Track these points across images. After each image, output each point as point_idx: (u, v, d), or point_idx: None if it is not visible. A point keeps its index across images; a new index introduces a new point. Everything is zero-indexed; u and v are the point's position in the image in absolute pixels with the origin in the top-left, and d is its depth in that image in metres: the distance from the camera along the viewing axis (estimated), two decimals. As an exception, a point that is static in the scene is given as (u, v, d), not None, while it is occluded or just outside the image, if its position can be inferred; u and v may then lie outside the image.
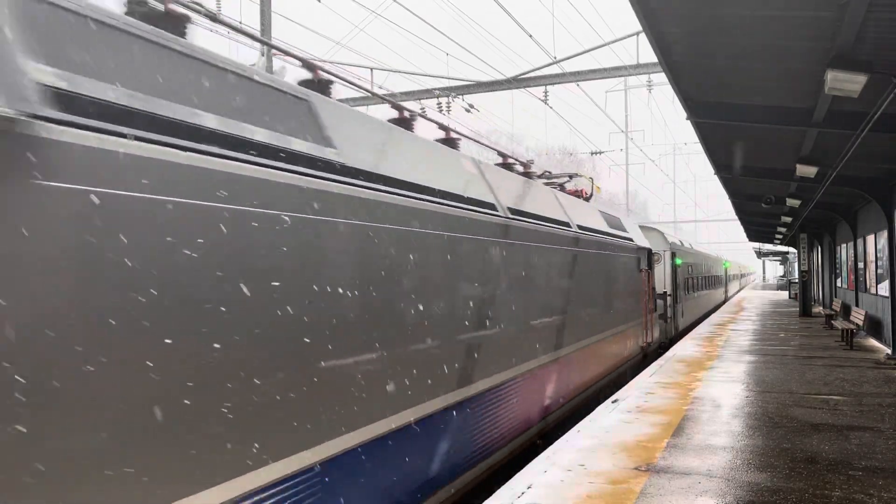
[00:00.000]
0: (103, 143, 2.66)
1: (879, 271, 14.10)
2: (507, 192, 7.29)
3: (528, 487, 5.22)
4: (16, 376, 2.28)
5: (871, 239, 14.98)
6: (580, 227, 9.55)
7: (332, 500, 3.81)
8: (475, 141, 8.58)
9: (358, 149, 4.61)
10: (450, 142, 6.97)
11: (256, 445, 3.28)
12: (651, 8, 5.92)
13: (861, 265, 16.43)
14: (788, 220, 21.53)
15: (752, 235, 36.18)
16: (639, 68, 24.83)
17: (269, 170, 3.56)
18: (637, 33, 22.32)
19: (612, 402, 8.46)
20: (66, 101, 2.61)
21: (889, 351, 12.80)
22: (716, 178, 14.82)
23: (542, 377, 7.39)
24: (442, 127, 6.32)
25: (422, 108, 26.99)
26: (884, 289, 13.43)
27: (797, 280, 29.20)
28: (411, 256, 4.88)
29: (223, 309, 3.16)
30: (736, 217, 26.98)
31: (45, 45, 2.63)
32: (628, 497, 4.96)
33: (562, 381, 8.12)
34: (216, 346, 3.10)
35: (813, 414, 7.71)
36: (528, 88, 26.21)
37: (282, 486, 3.42)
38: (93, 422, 2.53)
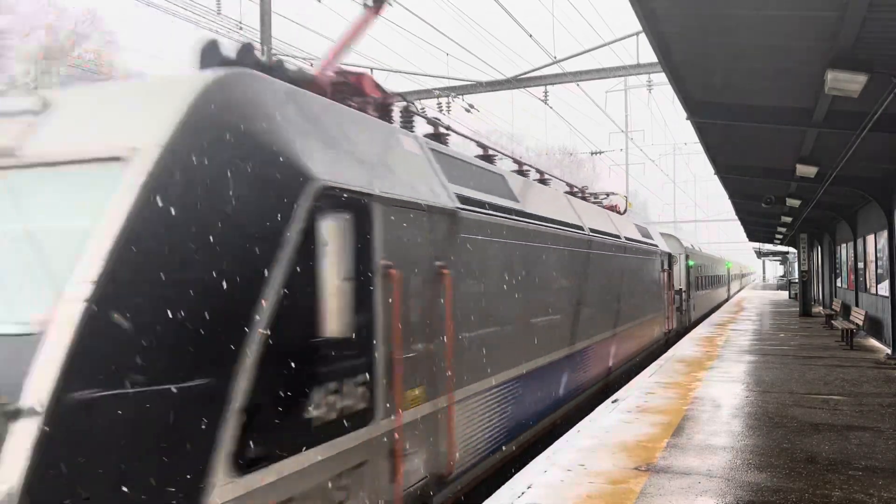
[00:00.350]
0: (475, 216, 5.77)
1: (879, 271, 14.10)
2: (586, 215, 10.14)
3: (528, 487, 5.22)
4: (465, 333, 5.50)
5: (871, 239, 14.98)
6: (626, 237, 12.12)
7: (528, 392, 6.84)
8: (563, 182, 11.24)
9: (525, 199, 7.55)
10: (544, 181, 9.75)
11: (557, 349, 7.72)
12: (651, 8, 5.92)
13: (861, 265, 16.44)
14: (788, 220, 21.53)
15: (752, 235, 36.18)
16: (639, 68, 24.82)
17: (509, 217, 6.70)
18: (637, 33, 22.32)
19: (612, 402, 8.46)
20: (462, 200, 5.61)
21: (889, 351, 12.80)
22: (716, 178, 14.82)
23: (606, 346, 10.20)
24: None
25: (422, 108, 26.98)
26: (884, 289, 13.43)
27: (797, 280, 29.21)
28: (554, 261, 7.93)
29: (557, 293, 7.86)
30: (736, 217, 26.99)
31: (451, 177, 5.70)
32: (628, 497, 4.96)
33: (617, 351, 10.84)
34: (549, 310, 7.56)
35: (813, 414, 7.71)
36: (528, 88, 26.21)
37: (512, 382, 6.43)
38: (475, 349, 5.65)
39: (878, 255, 14.10)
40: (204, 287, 3.04)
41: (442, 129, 6.69)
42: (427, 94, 27.68)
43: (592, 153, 34.69)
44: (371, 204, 4.14)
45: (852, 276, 18.05)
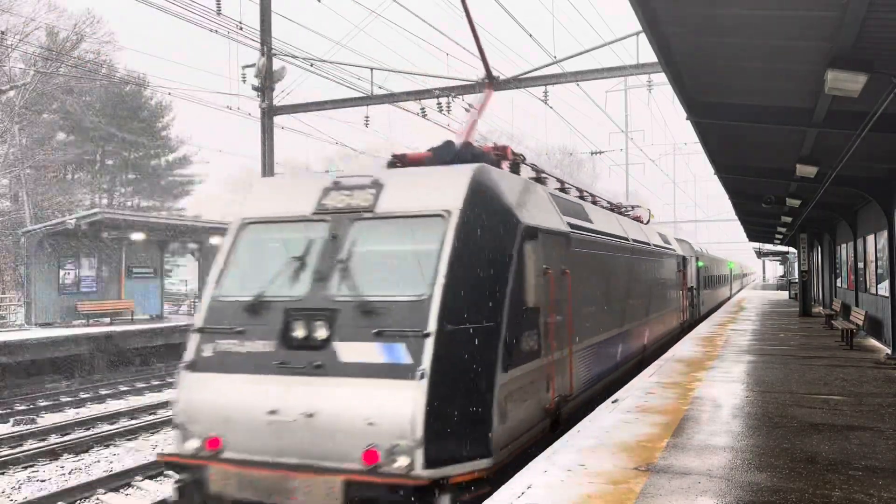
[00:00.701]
0: (576, 235, 8.16)
1: (879, 271, 14.10)
2: (628, 227, 12.63)
3: (528, 487, 5.21)
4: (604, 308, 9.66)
5: (871, 239, 14.98)
6: (653, 244, 14.64)
7: (605, 351, 9.67)
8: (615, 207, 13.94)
9: (596, 220, 9.99)
10: (620, 209, 13.62)
11: (619, 326, 10.68)
12: (651, 8, 5.92)
13: (861, 265, 16.43)
14: (788, 220, 21.52)
15: (752, 235, 36.18)
16: (639, 68, 24.82)
17: (623, 240, 10.96)
18: (637, 33, 22.31)
19: (612, 402, 8.45)
20: (570, 225, 8.03)
21: (889, 351, 12.80)
22: (716, 178, 14.82)
23: (644, 328, 12.98)
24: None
25: (422, 108, 26.99)
26: (884, 289, 13.42)
27: (797, 280, 29.21)
28: (615, 263, 10.52)
29: (632, 290, 11.71)
30: (736, 217, 26.98)
31: (562, 210, 8.11)
32: (628, 497, 4.96)
33: (650, 333, 13.60)
34: (632, 306, 11.62)
35: (813, 414, 7.70)
36: (528, 88, 26.21)
37: (598, 344, 9.20)
38: (583, 320, 8.41)
39: (878, 255, 14.10)
40: (487, 277, 5.91)
41: (545, 175, 9.18)
42: (427, 94, 27.69)
43: (592, 153, 34.69)
44: (538, 233, 6.81)
45: (852, 276, 18.05)
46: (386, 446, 5.04)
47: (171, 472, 6.16)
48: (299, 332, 5.62)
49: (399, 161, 7.39)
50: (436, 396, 5.15)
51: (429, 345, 5.27)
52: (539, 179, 8.62)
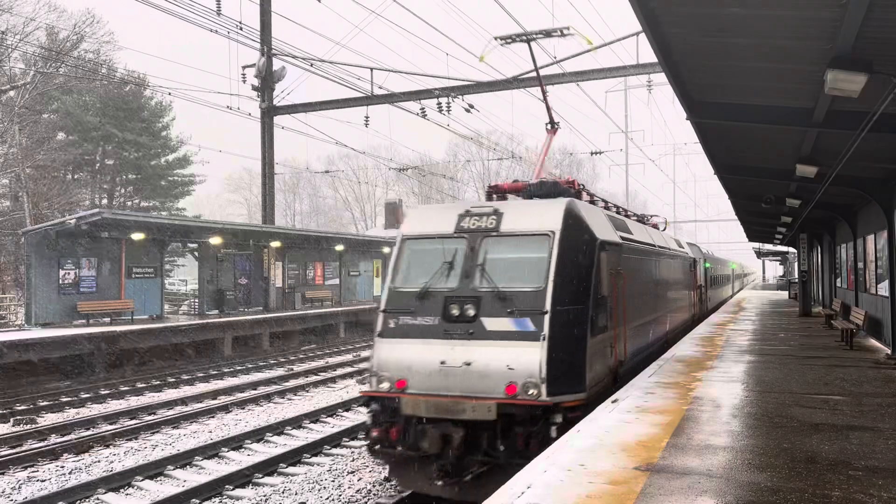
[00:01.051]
0: (625, 244, 10.57)
1: (879, 271, 14.10)
2: (654, 235, 14.87)
3: (528, 487, 5.21)
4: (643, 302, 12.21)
5: (870, 239, 14.98)
6: (672, 249, 16.81)
7: (644, 331, 12.23)
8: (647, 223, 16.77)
9: (634, 231, 12.07)
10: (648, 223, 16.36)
11: (651, 314, 13.09)
12: (651, 8, 5.93)
13: (861, 265, 16.43)
14: (788, 220, 21.52)
15: (752, 235, 36.16)
16: (639, 68, 24.86)
17: (653, 247, 13.47)
18: (637, 33, 22.34)
19: (612, 402, 8.46)
20: (621, 237, 10.43)
21: (889, 351, 12.80)
22: (716, 178, 14.82)
23: (667, 317, 15.29)
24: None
25: (422, 108, 26.98)
26: (883, 289, 13.43)
27: (797, 280, 29.22)
28: (648, 264, 12.87)
29: (660, 285, 14.30)
30: (736, 217, 26.97)
31: (614, 226, 10.53)
32: (628, 497, 4.96)
33: (671, 322, 15.88)
34: (661, 297, 14.37)
35: (813, 414, 7.71)
36: (527, 88, 26.21)
37: (641, 324, 11.86)
38: (632, 306, 10.86)
39: (878, 255, 14.10)
40: (578, 276, 8.34)
41: (596, 197, 11.69)
42: (427, 94, 27.68)
43: (592, 153, 34.69)
44: (606, 245, 9.22)
45: (852, 277, 18.05)
46: (521, 383, 7.71)
47: (363, 407, 8.94)
48: (455, 311, 8.24)
49: (495, 191, 10.61)
50: (552, 352, 7.80)
51: (546, 319, 7.93)
52: (593, 201, 11.22)
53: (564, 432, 7.18)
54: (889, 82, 6.41)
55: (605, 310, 9.08)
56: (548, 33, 11.20)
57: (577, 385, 7.97)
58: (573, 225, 8.57)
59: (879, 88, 6.56)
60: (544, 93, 12.63)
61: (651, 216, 17.73)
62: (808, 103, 8.28)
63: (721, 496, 4.96)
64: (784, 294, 40.73)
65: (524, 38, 11.26)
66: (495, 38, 11.30)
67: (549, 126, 12.60)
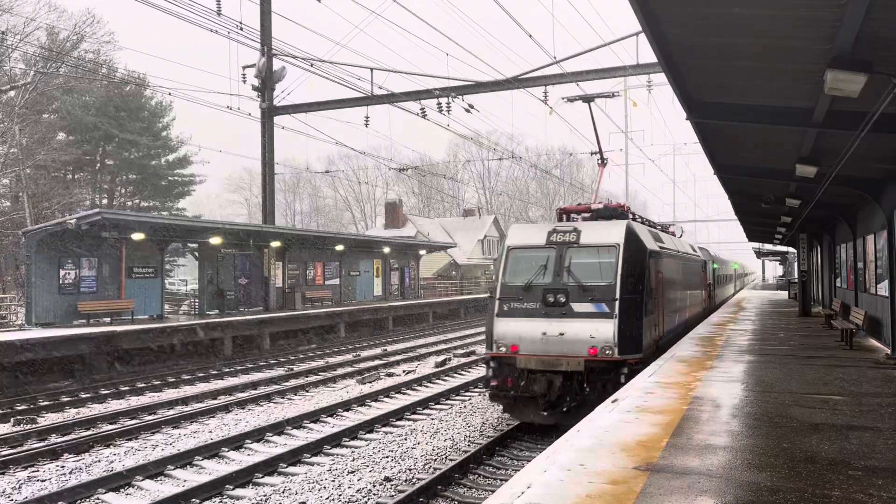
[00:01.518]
0: (660, 251, 13.89)
1: (879, 271, 14.11)
2: (676, 242, 17.95)
3: (528, 487, 5.22)
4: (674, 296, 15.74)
5: (870, 239, 14.98)
6: (689, 253, 19.82)
7: (675, 315, 16.01)
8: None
9: (661, 240, 14.85)
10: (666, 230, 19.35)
11: (678, 304, 16.64)
12: (651, 8, 5.93)
13: (860, 265, 16.44)
14: (788, 220, 21.52)
15: (752, 235, 36.16)
16: (639, 68, 24.86)
17: (678, 252, 16.99)
18: (637, 33, 22.35)
19: (612, 402, 8.46)
20: (660, 247, 14.23)
21: (889, 351, 12.80)
22: (716, 178, 14.83)
23: (687, 308, 18.34)
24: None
25: (422, 109, 26.98)
26: (883, 289, 13.43)
27: (797, 280, 29.22)
28: (675, 267, 15.90)
29: (683, 282, 17.63)
30: (736, 217, 26.97)
31: (653, 237, 14.05)
32: (628, 497, 4.96)
33: (690, 312, 18.95)
34: (683, 292, 17.97)
35: (812, 414, 7.71)
36: (528, 88, 26.21)
37: (673, 312, 15.75)
38: (667, 297, 14.58)
39: (878, 255, 14.11)
40: (636, 275, 11.87)
41: (637, 215, 15.18)
42: (427, 94, 27.67)
43: (592, 153, 34.67)
44: (651, 253, 12.62)
45: (852, 276, 18.06)
46: (600, 346, 11.29)
47: (485, 364, 12.65)
48: (551, 299, 11.77)
49: (564, 212, 14.52)
50: (621, 326, 11.33)
51: (616, 304, 11.45)
52: (635, 218, 14.39)
53: (629, 380, 10.44)
54: (889, 82, 6.41)
55: (652, 299, 12.69)
56: (604, 96, 16.17)
57: (637, 348, 11.57)
58: (631, 239, 12.12)
59: (879, 88, 6.56)
60: (598, 137, 17.14)
61: (669, 225, 21.48)
62: (807, 103, 8.28)
63: (721, 496, 4.96)
64: (784, 294, 40.74)
65: (586, 98, 15.86)
66: (562, 98, 16.73)
67: (599, 160, 17.63)
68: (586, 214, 14.05)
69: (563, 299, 11.71)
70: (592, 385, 11.25)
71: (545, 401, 11.42)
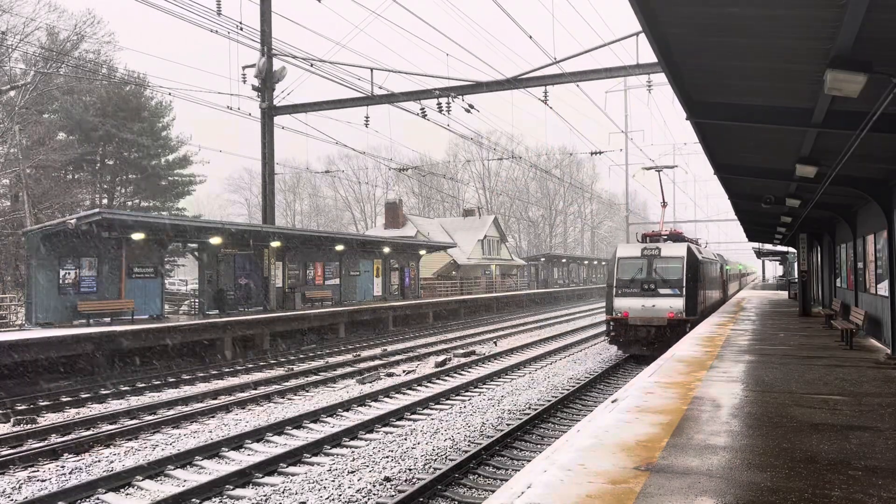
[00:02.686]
0: (702, 259, 23.82)
1: (879, 271, 14.11)
2: (707, 253, 27.52)
3: (528, 487, 5.22)
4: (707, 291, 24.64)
5: (870, 239, 14.98)
6: (711, 259, 26.76)
7: (707, 300, 24.97)
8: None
9: (702, 251, 26.23)
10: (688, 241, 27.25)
11: (709, 292, 26.12)
12: (651, 8, 5.93)
13: (860, 265, 16.44)
14: (788, 220, 21.53)
15: (752, 235, 36.17)
16: (639, 68, 24.86)
17: (708, 259, 26.88)
18: (637, 33, 22.35)
19: (612, 402, 8.46)
20: (703, 257, 24.90)
21: (889, 351, 12.80)
22: (716, 178, 14.82)
23: (714, 293, 27.59)
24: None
25: (422, 109, 26.98)
26: (883, 289, 13.43)
27: (797, 280, 29.24)
28: (705, 270, 23.95)
29: (710, 278, 26.75)
30: (736, 217, 26.98)
31: (699, 251, 24.87)
32: (628, 497, 4.97)
33: (714, 298, 27.22)
34: (711, 283, 27.41)
35: (812, 414, 7.71)
36: (528, 88, 26.21)
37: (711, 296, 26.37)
38: (704, 287, 23.19)
39: (878, 255, 14.11)
40: (692, 274, 21.13)
41: (684, 234, 26.05)
42: (427, 94, 27.65)
43: (592, 153, 34.68)
44: (699, 261, 21.92)
45: (852, 276, 18.06)
46: (675, 312, 20.56)
47: (605, 325, 22.52)
48: (646, 287, 20.97)
49: (647, 236, 23.98)
50: (686, 301, 20.63)
51: (683, 290, 20.74)
52: (686, 240, 22.44)
53: (692, 330, 18.55)
54: (889, 82, 6.41)
55: (699, 287, 21.15)
56: (668, 167, 28.99)
57: (693, 313, 20.53)
58: (689, 253, 21.10)
59: (879, 88, 6.56)
60: (662, 189, 28.24)
61: (697, 239, 29.99)
62: (807, 103, 8.29)
63: (721, 496, 4.96)
64: (784, 294, 40.75)
65: (657, 168, 27.76)
66: (642, 168, 29.58)
67: (662, 203, 27.83)
68: (664, 236, 23.85)
69: (653, 287, 20.94)
70: (672, 332, 20.04)
71: (645, 342, 20.80)
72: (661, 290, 20.80)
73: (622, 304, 21.09)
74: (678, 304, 20.50)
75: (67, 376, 18.39)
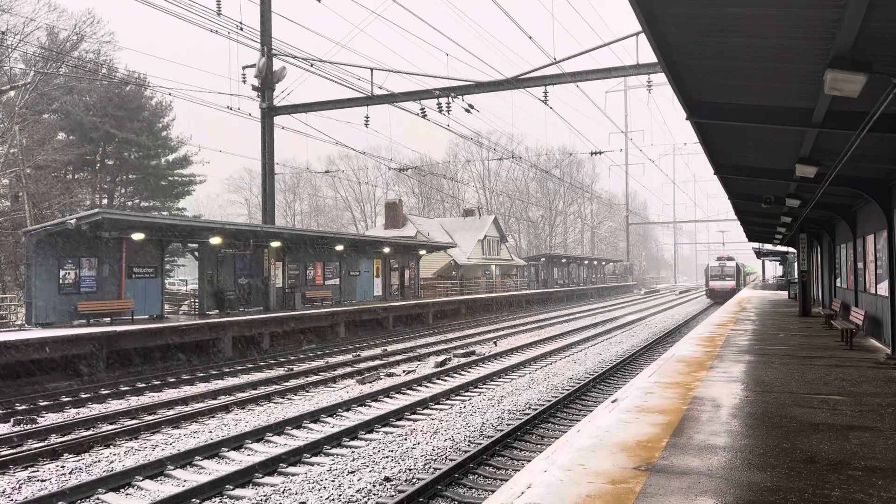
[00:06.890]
0: (736, 266, 69.61)
1: (879, 271, 14.11)
2: (737, 262, 68.21)
3: (528, 487, 5.22)
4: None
5: (870, 239, 14.99)
6: (738, 263, 66.62)
7: (738, 284, 64.19)
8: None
9: (737, 261, 69.12)
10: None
11: (738, 283, 68.62)
12: (651, 8, 5.93)
13: (860, 265, 16.44)
14: (788, 220, 21.53)
15: (752, 235, 36.18)
16: (639, 68, 24.87)
17: (738, 265, 66.96)
18: (637, 33, 22.35)
19: (612, 402, 8.46)
20: (737, 265, 67.20)
21: (889, 351, 12.81)
22: (716, 178, 14.83)
23: (741, 280, 68.30)
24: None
25: (422, 108, 26.99)
26: (883, 289, 13.43)
27: (797, 280, 29.23)
28: (727, 272, 64.03)
29: (740, 273, 68.81)
30: (736, 217, 26.97)
31: (737, 263, 68.73)
32: (628, 497, 4.97)
33: (740, 281, 67.73)
34: (738, 277, 67.38)
35: (812, 414, 7.71)
36: (527, 89, 26.22)
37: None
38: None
39: (878, 255, 14.11)
40: (737, 273, 63.56)
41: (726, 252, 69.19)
42: (427, 94, 27.66)
43: (592, 153, 34.69)
44: (738, 266, 65.16)
45: (852, 277, 18.06)
46: (731, 286, 59.28)
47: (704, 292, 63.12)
48: (721, 276, 60.74)
49: (718, 258, 63.41)
50: (734, 283, 59.87)
51: (734, 279, 60.65)
52: (733, 258, 63.40)
53: (734, 296, 49.72)
54: (889, 82, 6.41)
55: (738, 277, 61.51)
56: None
57: (740, 286, 61.59)
58: (737, 266, 61.78)
59: (879, 88, 6.56)
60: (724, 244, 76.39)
61: (732, 256, 61.37)
62: (807, 103, 8.29)
63: (721, 496, 4.96)
64: (784, 294, 40.76)
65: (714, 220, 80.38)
66: (685, 223, 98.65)
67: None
68: (725, 257, 60.40)
69: (724, 276, 58.55)
70: (730, 294, 51.96)
71: (720, 298, 53.29)
72: (727, 278, 57.70)
73: (712, 283, 58.76)
74: (733, 284, 57.06)
75: (67, 376, 18.39)
